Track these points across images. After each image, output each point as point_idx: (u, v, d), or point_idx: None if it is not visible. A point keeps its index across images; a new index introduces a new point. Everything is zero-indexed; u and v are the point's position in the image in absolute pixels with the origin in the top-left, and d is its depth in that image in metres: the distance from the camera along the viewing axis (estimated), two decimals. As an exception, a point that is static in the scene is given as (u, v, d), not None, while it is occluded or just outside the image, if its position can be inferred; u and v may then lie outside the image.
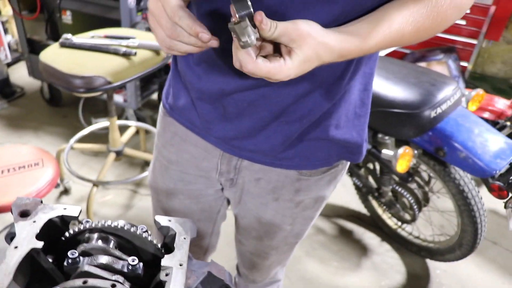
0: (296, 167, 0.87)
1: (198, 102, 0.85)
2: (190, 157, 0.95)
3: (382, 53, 2.33)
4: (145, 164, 2.53)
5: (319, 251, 2.08)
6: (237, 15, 0.57)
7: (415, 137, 1.66)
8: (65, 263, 0.73)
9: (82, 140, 2.35)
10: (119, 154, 2.14)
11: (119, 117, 2.70)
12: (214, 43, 0.60)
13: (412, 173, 1.82)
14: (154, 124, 2.65)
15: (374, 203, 2.18)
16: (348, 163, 0.95)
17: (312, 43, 0.58)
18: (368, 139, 1.79)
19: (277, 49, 0.62)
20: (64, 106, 3.08)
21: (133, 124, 2.42)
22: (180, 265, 0.70)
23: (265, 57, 0.61)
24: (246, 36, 0.58)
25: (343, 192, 2.40)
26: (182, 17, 0.58)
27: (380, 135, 1.77)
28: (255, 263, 1.12)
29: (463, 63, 3.28)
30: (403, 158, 1.65)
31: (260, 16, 0.55)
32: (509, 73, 3.78)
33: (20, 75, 3.40)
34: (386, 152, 1.69)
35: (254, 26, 0.58)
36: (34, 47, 2.93)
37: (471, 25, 3.17)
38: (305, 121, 0.79)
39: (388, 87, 1.68)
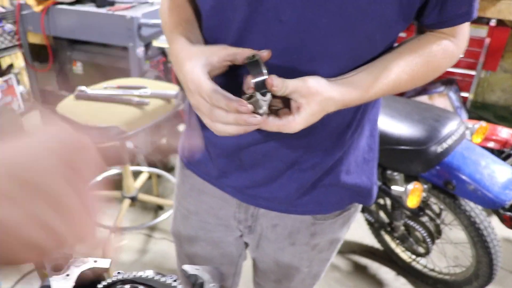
0: (310, 212, 0.91)
1: (215, 155, 0.90)
2: (208, 207, 0.99)
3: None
4: (158, 208, 2.57)
5: (335, 288, 2.08)
6: (252, 85, 0.64)
7: (424, 172, 1.70)
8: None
9: (96, 187, 2.39)
10: (133, 199, 2.18)
11: (131, 163, 2.76)
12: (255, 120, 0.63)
13: (423, 207, 1.85)
14: (164, 168, 2.71)
15: (387, 237, 2.19)
16: (360, 205, 0.99)
17: (319, 99, 0.64)
18: (377, 176, 1.84)
19: (286, 102, 0.68)
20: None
21: (145, 169, 2.47)
22: (214, 312, 0.74)
23: (276, 111, 0.67)
24: (259, 108, 0.65)
25: (356, 228, 2.41)
26: (219, 99, 0.62)
27: (389, 172, 1.81)
28: None
29: (464, 94, 3.35)
30: (413, 194, 1.68)
31: (271, 80, 0.61)
32: (509, 101, 3.84)
33: (33, 124, 3.49)
34: (396, 189, 1.73)
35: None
36: (46, 98, 3.03)
37: (469, 56, 3.26)
38: (318, 169, 0.84)
39: (394, 124, 1.74)
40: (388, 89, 0.71)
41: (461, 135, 1.73)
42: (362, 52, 0.71)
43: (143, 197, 2.25)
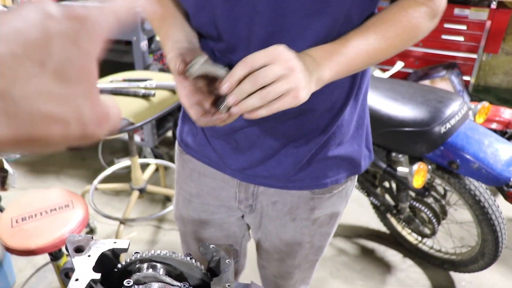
0: (308, 188, 0.93)
1: (212, 138, 0.93)
2: (210, 189, 1.02)
3: (387, 74, 2.42)
4: (166, 199, 2.60)
5: (343, 272, 2.11)
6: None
7: (428, 153, 1.72)
8: (122, 292, 0.80)
9: (103, 180, 2.43)
10: (142, 191, 2.21)
11: (138, 156, 2.79)
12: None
13: (428, 188, 1.87)
14: (171, 160, 2.74)
15: (393, 220, 2.22)
16: (356, 177, 1.01)
17: (291, 56, 0.64)
18: (382, 159, 1.86)
19: None
20: (82, 149, 3.18)
21: (153, 162, 2.50)
22: (229, 286, 0.77)
23: None
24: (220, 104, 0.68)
25: (361, 212, 2.44)
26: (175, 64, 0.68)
27: (393, 154, 1.83)
28: (279, 284, 1.17)
29: (466, 77, 3.36)
30: (418, 174, 1.70)
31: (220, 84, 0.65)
32: (511, 83, 3.85)
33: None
34: (402, 170, 1.75)
35: None
36: (51, 95, 3.06)
37: (469, 40, 3.27)
38: (312, 145, 0.87)
39: (398, 107, 1.76)
40: (368, 58, 0.73)
41: (464, 115, 1.75)
42: (340, 29, 0.73)
43: (151, 188, 2.28)
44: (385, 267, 2.16)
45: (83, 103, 0.32)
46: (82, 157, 3.09)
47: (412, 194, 1.97)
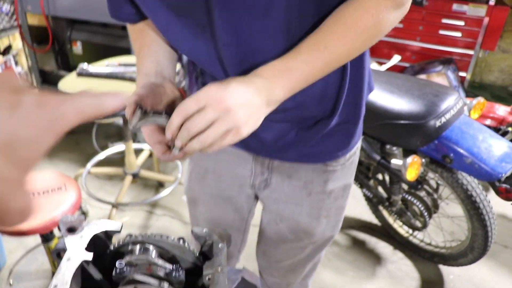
0: (321, 160, 0.96)
1: None
2: (226, 164, 1.05)
3: (383, 67, 2.42)
4: (159, 185, 2.60)
5: (335, 262, 2.13)
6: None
7: (422, 146, 1.73)
8: (113, 273, 0.80)
9: (97, 164, 2.42)
10: (135, 176, 2.21)
11: (132, 141, 2.78)
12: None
13: (421, 181, 1.88)
14: (165, 146, 2.72)
15: (385, 212, 2.24)
16: (359, 145, 1.01)
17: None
18: (376, 151, 1.87)
19: None
20: (75, 133, 3.16)
21: (147, 147, 2.49)
22: (221, 270, 0.77)
23: None
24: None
25: (354, 204, 2.45)
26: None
27: (388, 146, 1.84)
28: (291, 264, 1.18)
29: (462, 73, 3.37)
30: (412, 167, 1.71)
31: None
32: (507, 81, 3.87)
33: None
34: (395, 162, 1.76)
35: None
36: (46, 78, 3.03)
37: (467, 36, 3.28)
38: (320, 125, 0.89)
39: (394, 100, 1.76)
40: (326, 66, 0.71)
41: (459, 110, 1.76)
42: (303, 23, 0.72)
43: (145, 173, 2.28)
44: (376, 259, 2.17)
45: (12, 189, 0.30)
46: (75, 141, 3.07)
47: (405, 187, 1.98)
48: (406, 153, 1.85)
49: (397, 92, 1.80)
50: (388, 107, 1.74)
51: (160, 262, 0.81)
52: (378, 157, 1.85)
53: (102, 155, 2.43)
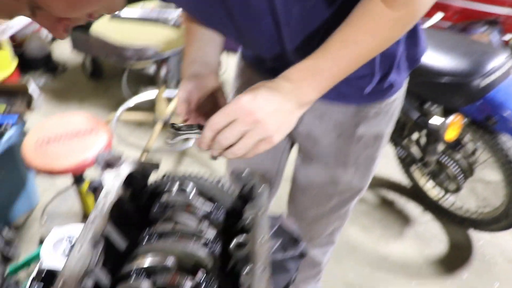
0: (354, 102, 0.92)
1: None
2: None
3: (425, 25, 2.30)
4: (188, 135, 2.59)
5: (362, 219, 2.11)
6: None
7: (465, 105, 1.65)
8: (151, 212, 0.78)
9: (127, 111, 2.42)
10: (166, 123, 2.20)
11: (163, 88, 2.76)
12: None
13: (458, 143, 1.82)
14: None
15: (417, 173, 2.19)
16: (400, 96, 0.97)
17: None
18: (415, 108, 1.80)
19: None
20: (105, 79, 3.16)
21: (177, 95, 2.47)
22: (262, 213, 0.75)
23: None
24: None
25: (385, 163, 2.40)
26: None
27: (427, 104, 1.76)
28: (316, 215, 1.16)
29: (507, 37, 3.19)
30: (452, 126, 1.65)
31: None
32: (554, 46, 3.65)
33: (61, 51, 3.49)
34: (435, 121, 1.69)
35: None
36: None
37: (516, -5, 3.07)
38: (363, 80, 0.86)
39: (437, 57, 1.67)
40: (357, 63, 0.70)
41: (507, 70, 1.66)
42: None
43: (176, 121, 2.27)
44: (404, 219, 2.14)
45: None
46: (105, 88, 3.07)
47: (441, 148, 1.92)
48: (446, 113, 1.78)
49: (441, 49, 1.71)
50: (430, 64, 1.66)
51: (199, 202, 0.80)
52: (416, 115, 1.78)
53: (132, 101, 2.42)
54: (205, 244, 0.70)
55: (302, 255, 0.90)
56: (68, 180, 2.33)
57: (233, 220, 0.81)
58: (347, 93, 0.90)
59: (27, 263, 1.71)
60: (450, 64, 1.64)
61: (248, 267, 0.64)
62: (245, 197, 0.77)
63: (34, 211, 2.22)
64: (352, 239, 2.01)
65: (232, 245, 0.70)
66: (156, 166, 0.85)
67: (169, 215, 0.76)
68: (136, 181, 0.82)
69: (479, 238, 2.05)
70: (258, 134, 0.66)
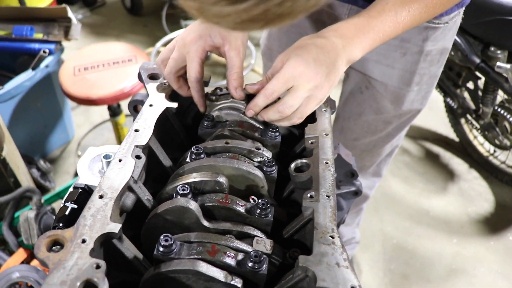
0: None
1: None
2: (313, 19, 0.98)
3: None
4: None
5: (404, 171, 2.02)
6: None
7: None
8: (202, 125, 0.71)
9: (165, 45, 2.34)
10: (206, 59, 2.12)
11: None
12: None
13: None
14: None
15: (466, 127, 2.05)
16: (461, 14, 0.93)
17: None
18: (477, 53, 1.65)
19: None
20: (144, 15, 3.07)
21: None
22: (326, 134, 0.67)
23: None
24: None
25: (431, 114, 2.28)
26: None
27: (492, 49, 1.61)
28: (369, 143, 1.12)
29: None
30: (519, 74, 1.50)
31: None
32: None
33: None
34: (501, 65, 1.54)
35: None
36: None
37: None
38: None
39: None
40: (407, 26, 0.71)
41: None
42: None
43: (216, 57, 2.20)
44: (449, 174, 2.03)
45: None
46: (144, 24, 2.99)
47: (498, 100, 1.78)
48: (511, 59, 1.62)
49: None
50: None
51: (254, 120, 0.72)
52: (478, 60, 1.64)
53: (171, 35, 2.34)
54: (261, 165, 0.63)
55: (356, 193, 0.83)
56: (103, 115, 2.30)
57: (289, 145, 0.73)
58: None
59: (62, 194, 1.71)
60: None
61: (311, 192, 0.56)
62: (304, 120, 0.69)
63: (69, 144, 2.21)
64: (393, 191, 1.93)
65: (291, 167, 0.62)
66: (207, 79, 0.77)
67: (220, 131, 0.69)
68: (181, 96, 0.75)
69: (528, 199, 1.94)
70: (318, 99, 0.65)
